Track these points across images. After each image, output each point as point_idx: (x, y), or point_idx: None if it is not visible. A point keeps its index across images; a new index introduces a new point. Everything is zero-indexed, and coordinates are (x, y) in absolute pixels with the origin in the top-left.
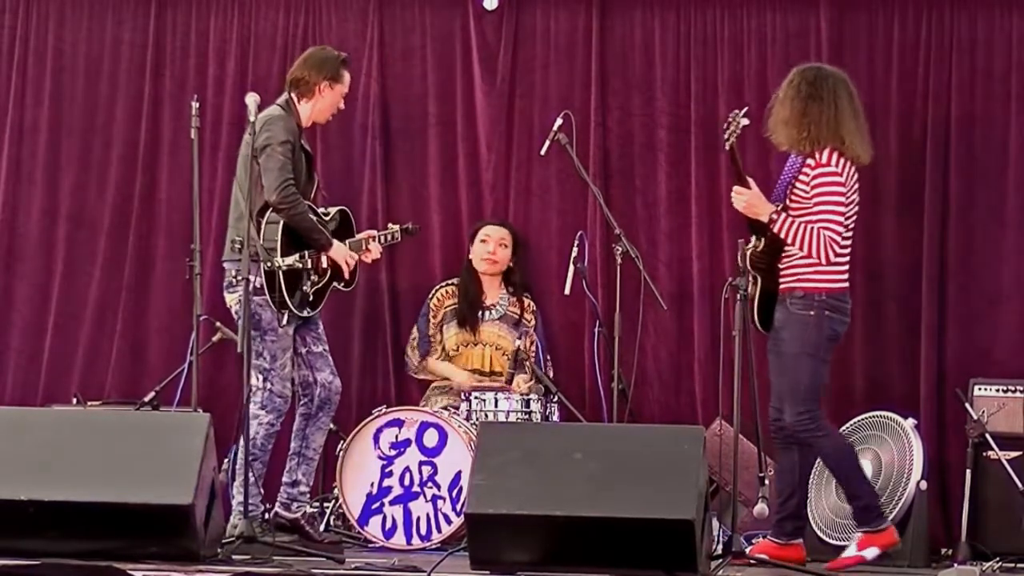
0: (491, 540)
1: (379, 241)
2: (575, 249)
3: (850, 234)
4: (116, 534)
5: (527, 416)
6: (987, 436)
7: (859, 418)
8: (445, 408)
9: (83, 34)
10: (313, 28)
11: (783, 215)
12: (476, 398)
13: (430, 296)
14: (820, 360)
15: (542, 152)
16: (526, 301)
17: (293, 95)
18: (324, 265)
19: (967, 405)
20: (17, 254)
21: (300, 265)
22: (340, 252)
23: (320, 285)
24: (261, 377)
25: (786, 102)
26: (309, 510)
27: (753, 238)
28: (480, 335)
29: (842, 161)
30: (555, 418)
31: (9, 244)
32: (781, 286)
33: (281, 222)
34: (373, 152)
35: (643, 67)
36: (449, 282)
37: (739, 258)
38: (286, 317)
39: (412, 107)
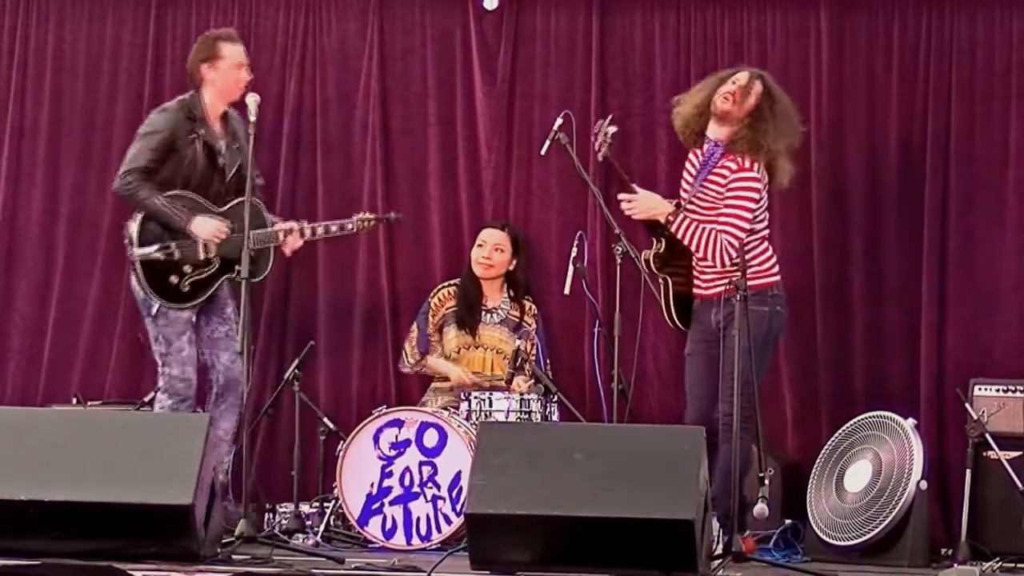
0: (491, 540)
1: (345, 229)
2: (575, 249)
3: (764, 228)
4: (116, 534)
5: (527, 416)
6: (987, 436)
7: (859, 418)
8: (445, 408)
9: (83, 34)
10: (313, 28)
11: (679, 216)
12: (476, 398)
13: (431, 295)
14: (766, 356)
15: (542, 152)
16: (527, 304)
17: (196, 89)
18: (202, 256)
19: (967, 405)
20: (17, 254)
21: (161, 256)
22: (204, 227)
23: (200, 277)
24: (160, 362)
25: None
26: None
27: (653, 241)
28: (480, 339)
29: (759, 165)
30: (555, 418)
31: (9, 244)
32: (717, 288)
33: (141, 214)
34: (373, 152)
35: (643, 67)
36: (451, 283)
37: (642, 265)
38: (156, 307)
39: (412, 107)
